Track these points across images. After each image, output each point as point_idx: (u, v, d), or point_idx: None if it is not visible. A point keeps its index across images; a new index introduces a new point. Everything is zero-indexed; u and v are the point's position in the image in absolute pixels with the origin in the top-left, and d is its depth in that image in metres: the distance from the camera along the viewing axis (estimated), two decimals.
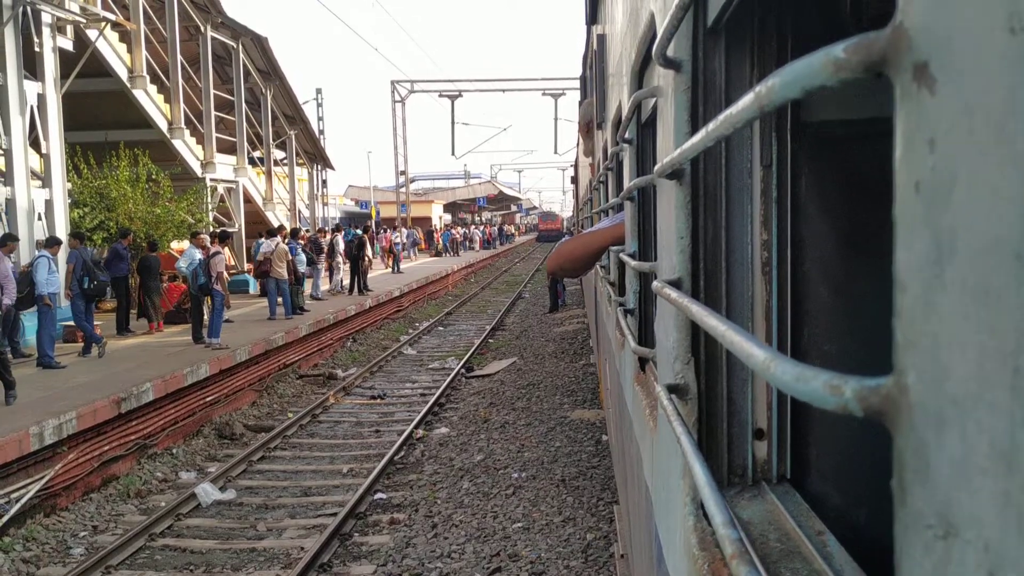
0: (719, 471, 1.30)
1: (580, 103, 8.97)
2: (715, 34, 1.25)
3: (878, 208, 1.41)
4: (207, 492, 8.73)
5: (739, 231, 1.31)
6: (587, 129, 5.61)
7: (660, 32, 1.16)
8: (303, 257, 17.68)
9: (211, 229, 17.88)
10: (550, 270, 3.19)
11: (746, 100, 0.64)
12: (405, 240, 38.47)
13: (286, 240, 17.06)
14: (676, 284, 1.28)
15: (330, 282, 21.76)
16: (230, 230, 19.70)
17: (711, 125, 0.80)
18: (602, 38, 4.38)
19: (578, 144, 7.93)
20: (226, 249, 16.37)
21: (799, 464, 1.35)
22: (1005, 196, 0.37)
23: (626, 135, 2.43)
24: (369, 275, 22.87)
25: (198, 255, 13.76)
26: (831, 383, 0.46)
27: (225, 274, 13.73)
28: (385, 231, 33.49)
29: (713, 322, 0.77)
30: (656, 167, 1.38)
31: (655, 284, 1.34)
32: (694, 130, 1.25)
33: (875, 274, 1.42)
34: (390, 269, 29.60)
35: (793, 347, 1.35)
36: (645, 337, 2.50)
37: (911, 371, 0.44)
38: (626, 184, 2.61)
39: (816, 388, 0.48)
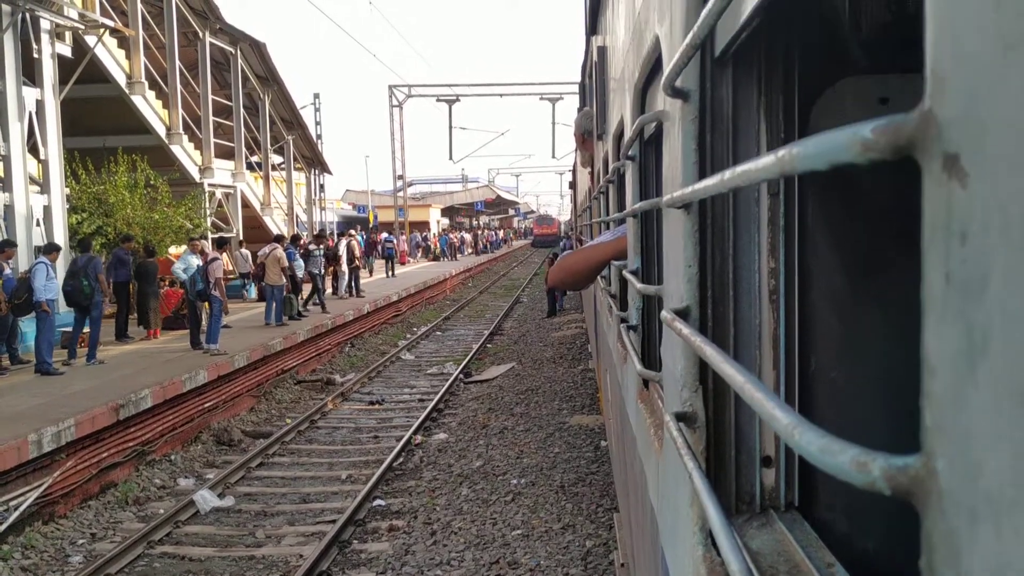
0: (727, 499, 1.30)
1: (579, 109, 8.97)
2: (723, 63, 1.25)
3: (886, 236, 1.42)
4: (205, 499, 8.72)
5: (746, 259, 1.31)
6: (583, 140, 5.59)
7: (668, 65, 1.16)
8: (302, 263, 17.69)
9: (209, 234, 17.90)
10: (551, 284, 3.19)
11: (767, 160, 0.65)
12: (408, 244, 39.17)
13: (285, 246, 17.05)
14: (684, 313, 1.29)
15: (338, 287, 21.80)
16: (228, 235, 19.68)
17: (727, 174, 0.80)
18: (603, 50, 4.39)
19: (576, 149, 7.95)
20: (224, 255, 16.36)
21: (807, 491, 1.35)
22: None
23: (629, 152, 2.44)
24: (364, 280, 22.92)
25: (195, 261, 13.75)
26: (859, 460, 0.46)
27: (240, 271, 13.69)
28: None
29: (730, 371, 0.77)
30: (664, 198, 1.39)
31: (664, 315, 1.35)
32: (702, 159, 1.26)
33: (883, 302, 1.43)
34: (384, 274, 29.52)
35: (801, 375, 1.36)
36: (648, 356, 2.51)
37: (941, 458, 0.44)
38: (629, 201, 2.61)
39: (843, 463, 0.48)
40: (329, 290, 21.21)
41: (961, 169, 0.42)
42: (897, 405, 1.34)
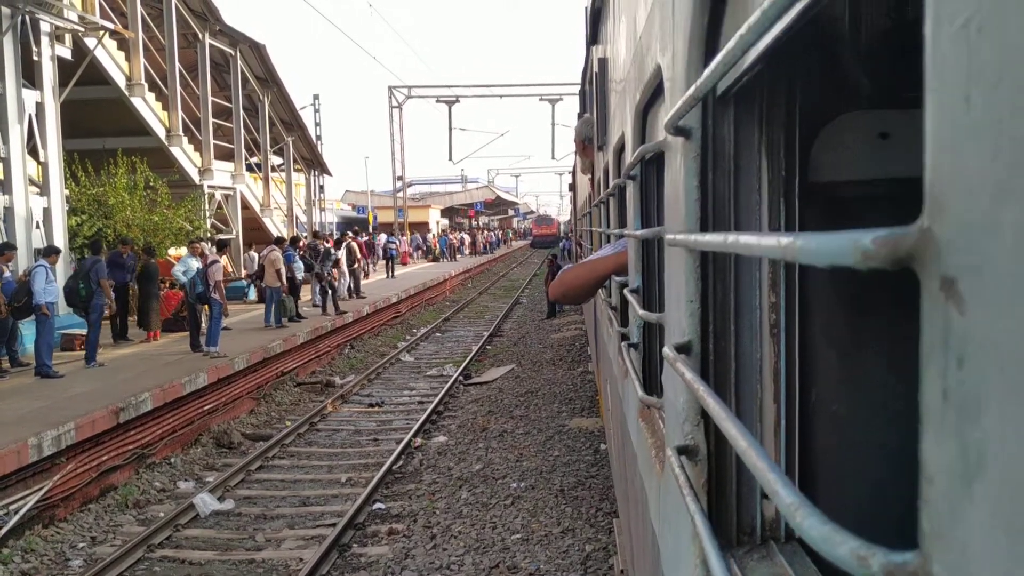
0: (728, 531, 1.32)
1: (579, 115, 8.99)
2: (724, 102, 1.27)
3: (885, 271, 1.43)
4: (205, 502, 8.73)
5: (747, 294, 1.33)
6: (583, 146, 5.62)
7: (670, 103, 1.18)
8: (301, 265, 17.70)
9: (209, 236, 17.91)
10: (553, 297, 3.21)
11: (770, 242, 0.66)
12: (409, 246, 39.68)
13: (284, 248, 17.06)
14: (686, 348, 1.31)
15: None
16: (227, 237, 19.69)
17: (730, 237, 0.82)
18: (603, 62, 4.41)
19: (576, 154, 7.99)
20: (224, 257, 16.38)
21: None
22: None
23: (631, 173, 2.46)
24: (363, 281, 22.99)
25: (195, 263, 13.76)
26: (859, 553, 0.48)
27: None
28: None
29: (734, 432, 0.79)
30: (667, 236, 1.41)
31: (667, 353, 1.36)
32: (703, 197, 1.29)
33: (882, 335, 1.45)
34: (385, 275, 29.74)
35: (801, 408, 1.38)
36: (649, 377, 2.52)
37: (937, 563, 0.45)
38: (630, 220, 2.63)
39: (844, 554, 0.49)
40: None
41: (958, 294, 0.44)
42: (898, 437, 1.35)
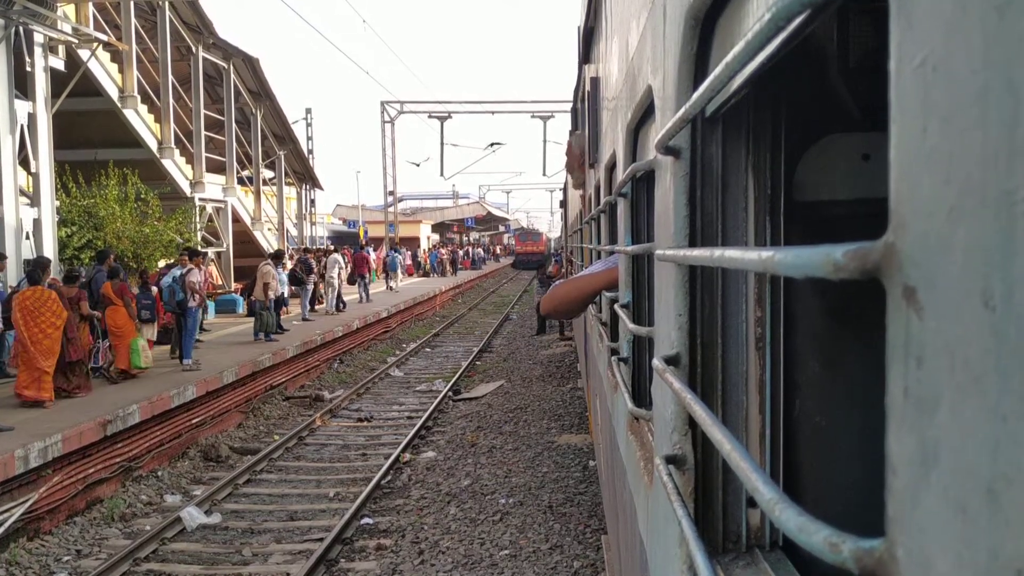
0: (714, 538, 1.36)
1: (571, 132, 9.07)
2: (713, 122, 1.32)
3: (866, 286, 1.48)
4: (192, 516, 8.69)
5: (734, 308, 1.38)
6: (578, 162, 5.69)
7: (660, 124, 1.23)
8: (284, 278, 17.67)
9: (199, 248, 17.89)
10: (544, 312, 3.26)
11: (752, 256, 0.71)
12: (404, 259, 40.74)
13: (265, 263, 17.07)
14: (674, 360, 1.35)
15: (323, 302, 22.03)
16: (218, 250, 19.66)
17: (716, 252, 0.86)
18: (595, 81, 4.48)
19: (568, 170, 8.06)
20: (213, 268, 16.34)
21: None
22: (982, 437, 0.42)
23: (622, 191, 2.51)
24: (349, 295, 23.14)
25: (179, 273, 13.77)
26: (831, 540, 0.52)
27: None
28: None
29: (719, 436, 0.83)
30: (657, 251, 1.45)
31: (656, 364, 1.41)
32: (692, 214, 1.33)
33: (863, 349, 1.49)
34: (385, 287, 30.41)
35: (786, 419, 1.42)
36: (639, 390, 2.56)
37: (900, 546, 0.50)
38: (621, 236, 2.68)
39: (817, 542, 0.54)
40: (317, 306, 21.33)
41: (918, 302, 0.49)
42: (879, 445, 1.39)
